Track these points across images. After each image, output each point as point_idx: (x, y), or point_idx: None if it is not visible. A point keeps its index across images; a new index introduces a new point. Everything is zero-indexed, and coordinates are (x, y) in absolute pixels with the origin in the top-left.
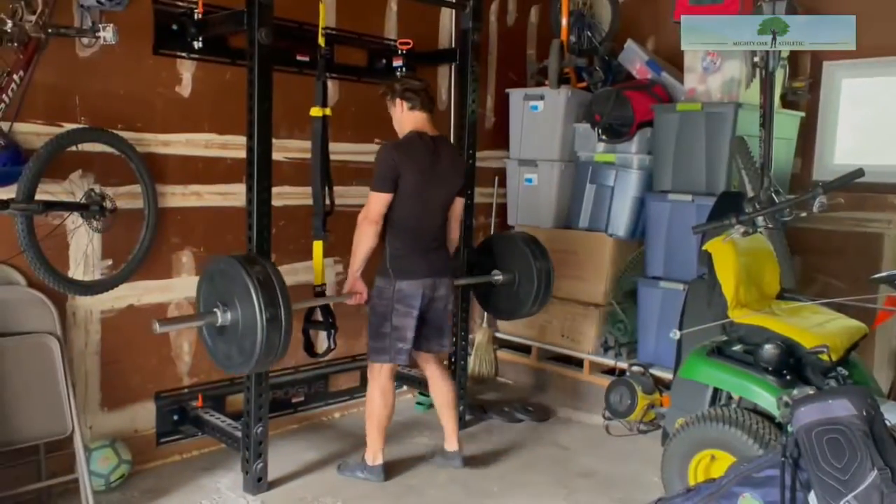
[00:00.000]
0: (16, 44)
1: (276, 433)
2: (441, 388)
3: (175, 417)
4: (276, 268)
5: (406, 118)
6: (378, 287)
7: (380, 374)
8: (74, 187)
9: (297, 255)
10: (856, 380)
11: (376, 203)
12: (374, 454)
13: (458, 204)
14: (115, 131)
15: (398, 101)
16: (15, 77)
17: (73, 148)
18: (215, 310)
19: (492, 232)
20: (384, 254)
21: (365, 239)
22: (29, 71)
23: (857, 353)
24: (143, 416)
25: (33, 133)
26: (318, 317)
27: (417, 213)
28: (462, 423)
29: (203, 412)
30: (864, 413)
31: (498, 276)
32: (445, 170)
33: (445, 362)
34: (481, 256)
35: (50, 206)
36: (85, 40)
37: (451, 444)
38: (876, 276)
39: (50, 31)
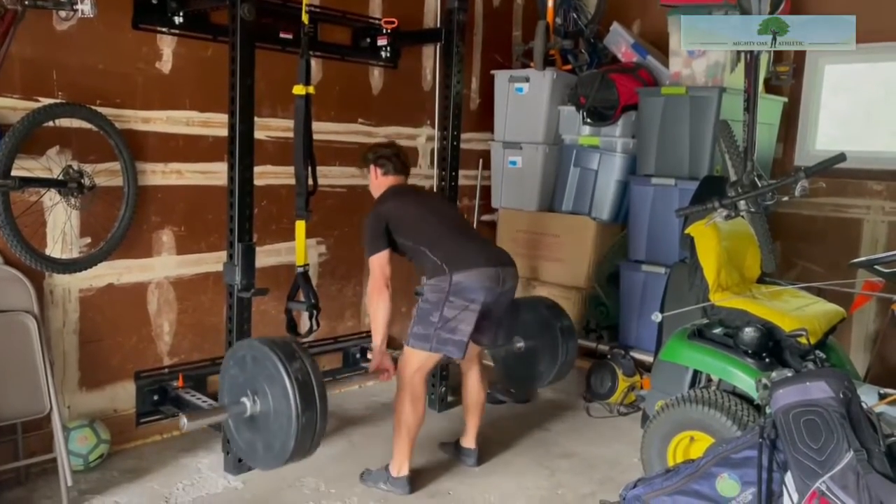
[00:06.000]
0: None
1: None
2: (475, 389)
3: (155, 397)
4: (315, 363)
5: (381, 183)
6: (430, 283)
7: (412, 379)
8: (52, 163)
9: (279, 234)
10: (833, 363)
11: (378, 265)
12: (400, 465)
13: None
14: (93, 107)
15: (372, 167)
16: None
17: (51, 123)
18: (244, 399)
19: (475, 214)
20: (430, 267)
21: (380, 307)
22: (5, 44)
23: (835, 336)
24: (123, 395)
25: (9, 107)
26: (301, 297)
27: (436, 223)
28: (444, 405)
29: (184, 392)
30: (841, 395)
31: (520, 343)
32: (438, 201)
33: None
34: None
35: (27, 182)
36: (62, 13)
37: (469, 442)
38: (854, 260)
39: (27, 2)
